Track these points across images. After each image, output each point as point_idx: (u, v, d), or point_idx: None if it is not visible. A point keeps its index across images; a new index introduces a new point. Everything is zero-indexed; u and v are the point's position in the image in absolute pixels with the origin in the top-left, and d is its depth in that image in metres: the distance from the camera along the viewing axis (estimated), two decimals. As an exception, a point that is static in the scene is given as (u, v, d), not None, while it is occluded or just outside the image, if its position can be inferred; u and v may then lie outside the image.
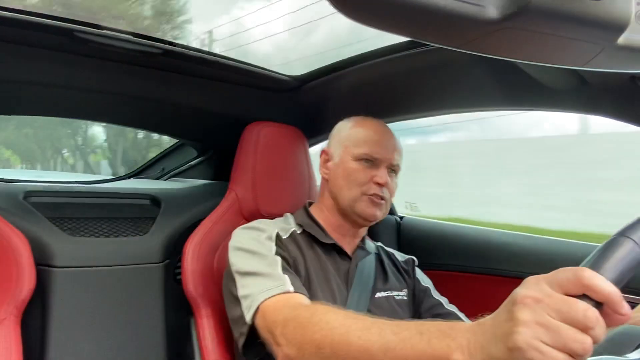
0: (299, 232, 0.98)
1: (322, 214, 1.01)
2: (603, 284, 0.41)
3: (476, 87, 1.12)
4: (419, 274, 1.08)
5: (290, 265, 0.87)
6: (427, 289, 1.04)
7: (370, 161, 0.95)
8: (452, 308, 1.01)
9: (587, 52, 0.36)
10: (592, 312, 0.41)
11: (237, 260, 0.88)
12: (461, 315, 0.99)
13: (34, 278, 0.99)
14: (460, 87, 1.15)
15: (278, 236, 0.91)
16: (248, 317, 0.79)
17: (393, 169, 0.98)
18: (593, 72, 0.83)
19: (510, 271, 1.26)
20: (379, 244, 1.11)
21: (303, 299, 0.78)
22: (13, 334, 0.92)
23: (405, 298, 1.00)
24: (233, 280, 0.86)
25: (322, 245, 0.97)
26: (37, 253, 1.04)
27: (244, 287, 0.83)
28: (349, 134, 0.99)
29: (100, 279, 1.17)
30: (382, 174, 0.94)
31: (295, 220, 1.01)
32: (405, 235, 1.56)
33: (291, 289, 0.78)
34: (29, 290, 0.97)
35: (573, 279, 0.42)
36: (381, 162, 0.95)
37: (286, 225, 0.99)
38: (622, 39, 0.34)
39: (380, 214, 0.96)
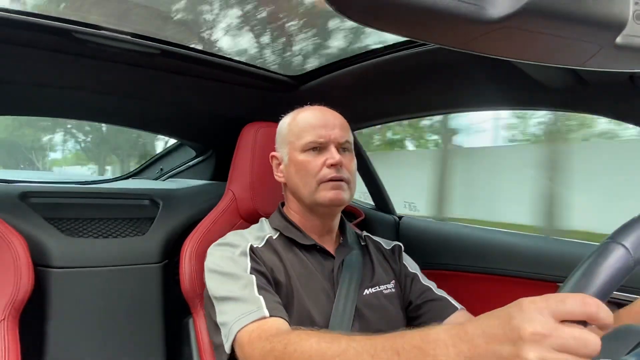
0: (275, 236, 0.95)
1: (295, 216, 0.98)
2: (606, 316, 0.42)
3: (475, 87, 1.12)
4: (406, 259, 1.05)
5: (268, 279, 0.85)
6: (414, 275, 1.01)
7: (317, 147, 0.91)
8: (441, 293, 0.99)
9: (586, 52, 0.36)
10: (594, 344, 0.41)
11: (212, 284, 0.86)
12: (451, 299, 0.97)
13: (32, 279, 0.98)
14: (459, 87, 1.15)
15: (252, 249, 0.88)
16: (227, 347, 0.78)
17: (344, 147, 0.93)
18: (592, 71, 0.84)
19: (509, 271, 1.26)
20: (365, 232, 1.08)
21: (279, 322, 0.76)
22: (11, 334, 0.92)
23: (393, 290, 0.97)
24: (212, 306, 0.85)
25: (303, 246, 0.94)
26: (35, 254, 1.04)
27: (221, 314, 0.81)
28: (289, 130, 0.96)
29: (98, 279, 1.17)
30: (332, 154, 0.90)
31: (271, 225, 0.98)
32: (404, 234, 1.56)
33: (266, 313, 0.76)
34: (27, 291, 0.97)
35: (579, 313, 0.42)
36: (328, 143, 0.91)
37: (261, 232, 0.96)
38: (620, 39, 0.34)
39: (345, 195, 0.91)
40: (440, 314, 0.94)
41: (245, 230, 0.98)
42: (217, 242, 0.94)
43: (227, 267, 0.85)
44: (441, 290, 1.00)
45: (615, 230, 0.46)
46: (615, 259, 0.44)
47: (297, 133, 0.93)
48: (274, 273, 0.87)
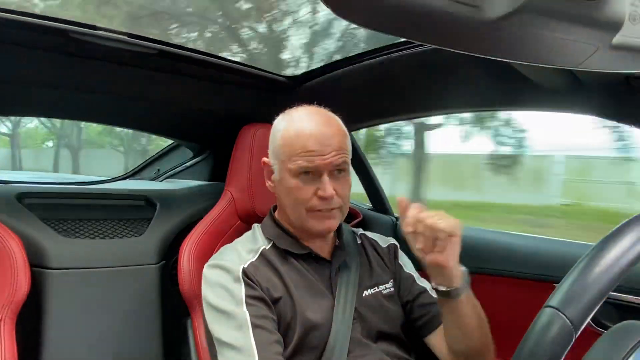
0: (268, 247, 0.93)
1: (288, 222, 0.95)
2: None
3: (473, 88, 1.13)
4: (402, 258, 1.03)
5: (266, 302, 0.84)
6: (410, 276, 1.00)
7: (310, 172, 0.86)
8: (435, 299, 0.96)
9: (582, 53, 0.36)
10: None
11: (209, 320, 0.87)
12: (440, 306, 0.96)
13: (29, 280, 0.98)
14: (456, 88, 1.15)
15: (245, 273, 0.86)
16: None
17: (340, 169, 0.87)
18: (588, 72, 0.84)
19: (507, 271, 1.26)
20: (361, 231, 1.06)
21: None
22: (8, 336, 0.92)
23: (392, 289, 0.97)
24: (212, 341, 0.86)
25: (298, 255, 0.92)
26: (32, 255, 1.04)
27: (221, 358, 0.83)
28: (282, 144, 0.89)
29: (95, 280, 1.16)
30: (325, 186, 0.85)
31: (264, 234, 0.96)
32: (401, 235, 1.55)
33: None
34: (24, 292, 0.97)
35: None
36: (321, 169, 0.85)
37: (254, 244, 0.94)
38: (616, 40, 0.34)
39: (334, 223, 0.89)
40: (433, 323, 0.94)
41: (239, 241, 0.97)
42: (211, 261, 0.93)
43: (221, 303, 0.85)
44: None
45: (553, 293, 0.45)
46: (554, 333, 0.43)
47: (289, 153, 0.87)
48: (270, 292, 0.86)
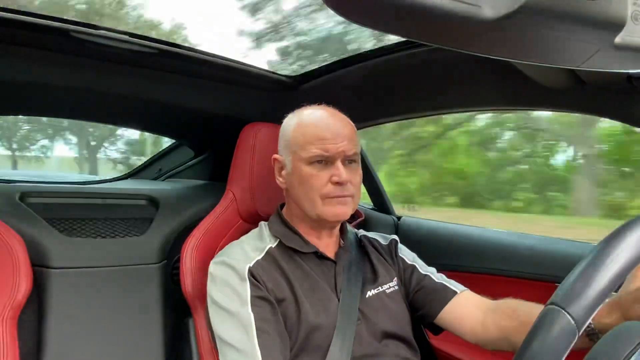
0: (274, 245, 0.94)
1: (296, 221, 0.97)
2: None
3: (474, 87, 1.12)
4: (403, 251, 1.05)
5: (270, 302, 0.85)
6: (413, 266, 1.02)
7: (323, 160, 0.88)
8: (441, 279, 0.99)
9: (584, 52, 0.36)
10: None
11: (213, 319, 0.87)
12: (450, 284, 0.98)
13: (31, 279, 0.98)
14: (458, 87, 1.15)
15: (251, 272, 0.87)
16: None
17: (351, 159, 0.90)
18: (590, 72, 0.84)
19: (508, 271, 1.26)
20: (361, 232, 1.07)
21: None
22: (9, 335, 0.92)
23: (396, 287, 0.98)
24: (214, 340, 0.87)
25: (303, 253, 0.93)
26: (34, 254, 1.04)
27: (222, 358, 0.84)
28: (294, 136, 0.92)
29: (97, 279, 1.17)
30: (339, 172, 0.87)
31: (271, 231, 0.97)
32: (403, 235, 1.56)
33: None
34: (26, 292, 0.97)
35: None
36: (335, 157, 0.88)
37: (260, 242, 0.94)
38: (618, 39, 0.34)
39: (348, 210, 0.91)
40: (441, 301, 0.96)
41: (245, 238, 0.98)
42: (217, 258, 0.93)
43: (226, 302, 0.85)
44: (441, 275, 1.01)
45: (557, 291, 0.45)
46: (557, 331, 0.43)
47: (302, 144, 0.89)
48: (275, 292, 0.87)
